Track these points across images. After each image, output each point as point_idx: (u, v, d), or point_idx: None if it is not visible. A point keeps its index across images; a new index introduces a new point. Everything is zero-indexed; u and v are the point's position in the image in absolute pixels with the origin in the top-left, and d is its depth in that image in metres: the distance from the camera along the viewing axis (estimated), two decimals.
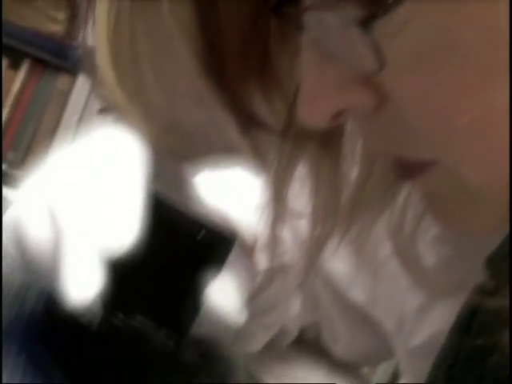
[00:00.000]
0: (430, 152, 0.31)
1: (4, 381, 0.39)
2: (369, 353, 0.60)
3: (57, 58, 1.86)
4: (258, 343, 0.55)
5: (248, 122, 0.41)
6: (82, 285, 0.38)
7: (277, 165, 0.42)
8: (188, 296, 0.43)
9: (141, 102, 0.42)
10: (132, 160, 0.42)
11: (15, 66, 1.89)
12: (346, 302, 0.54)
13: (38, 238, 0.41)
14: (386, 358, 0.66)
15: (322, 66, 0.30)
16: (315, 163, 0.42)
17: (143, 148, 0.42)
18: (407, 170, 0.33)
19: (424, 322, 0.48)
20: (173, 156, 0.44)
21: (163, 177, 0.42)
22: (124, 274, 0.39)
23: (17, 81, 1.89)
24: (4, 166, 1.86)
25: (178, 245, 0.42)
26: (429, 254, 0.46)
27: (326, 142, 0.41)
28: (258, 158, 0.43)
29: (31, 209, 0.41)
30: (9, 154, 1.87)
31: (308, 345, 0.60)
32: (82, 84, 1.87)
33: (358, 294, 0.53)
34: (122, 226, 0.39)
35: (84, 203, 0.40)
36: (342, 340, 0.59)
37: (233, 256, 0.42)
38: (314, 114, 0.32)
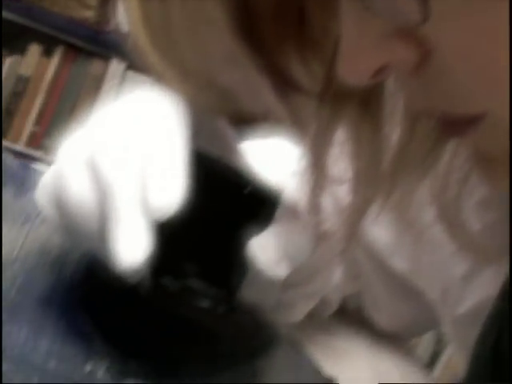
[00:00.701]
0: (477, 104, 0.30)
1: (43, 349, 0.38)
2: (412, 322, 0.59)
3: (89, 44, 1.88)
4: (299, 313, 0.54)
5: (285, 85, 0.40)
6: (130, 246, 0.37)
7: (315, 129, 0.41)
8: (236, 254, 0.41)
9: (174, 63, 0.41)
10: (171, 118, 0.41)
11: (48, 52, 1.90)
12: (388, 271, 0.53)
13: (80, 198, 0.39)
14: (430, 328, 0.65)
15: (362, 21, 0.30)
16: (355, 127, 0.41)
17: (182, 107, 0.41)
18: (454, 126, 0.32)
19: (470, 290, 0.48)
20: (212, 114, 0.43)
21: (204, 134, 0.41)
22: (171, 233, 0.38)
23: (50, 68, 1.90)
24: (39, 153, 1.88)
25: (225, 198, 0.41)
26: (473, 219, 0.44)
27: (366, 105, 0.40)
28: (296, 122, 0.42)
29: (73, 167, 0.40)
30: (44, 141, 1.89)
31: (350, 315, 0.60)
32: (115, 68, 1.88)
33: (400, 261, 0.52)
34: (168, 184, 0.38)
35: (128, 162, 0.39)
36: (384, 310, 0.58)
37: (279, 213, 0.41)
38: (355, 70, 0.31)
